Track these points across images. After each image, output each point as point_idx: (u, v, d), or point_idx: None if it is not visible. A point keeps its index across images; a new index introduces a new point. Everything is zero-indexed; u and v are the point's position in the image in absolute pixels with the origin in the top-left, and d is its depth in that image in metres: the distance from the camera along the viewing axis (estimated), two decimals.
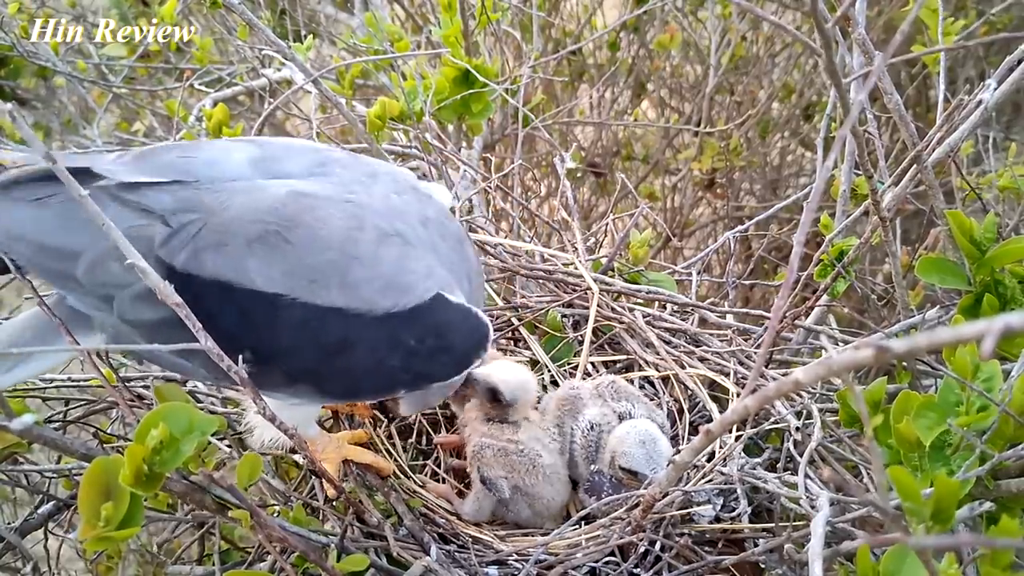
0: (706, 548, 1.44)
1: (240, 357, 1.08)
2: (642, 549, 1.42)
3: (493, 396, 1.61)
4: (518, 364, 1.73)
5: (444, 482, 1.70)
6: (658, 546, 1.42)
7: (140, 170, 1.24)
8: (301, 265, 1.19)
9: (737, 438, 1.56)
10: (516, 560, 1.46)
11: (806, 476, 1.35)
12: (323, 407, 1.67)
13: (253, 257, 1.17)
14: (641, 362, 1.87)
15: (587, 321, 1.90)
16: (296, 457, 1.58)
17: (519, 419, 1.65)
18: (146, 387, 1.68)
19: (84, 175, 1.20)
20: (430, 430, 1.81)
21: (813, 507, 1.28)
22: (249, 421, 1.41)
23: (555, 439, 1.65)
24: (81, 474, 1.05)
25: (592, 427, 1.63)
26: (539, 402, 1.73)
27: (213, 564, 1.50)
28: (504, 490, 1.57)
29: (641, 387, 1.83)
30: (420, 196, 1.40)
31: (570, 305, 1.96)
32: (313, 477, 1.54)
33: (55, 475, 1.60)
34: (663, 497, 1.44)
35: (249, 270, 1.17)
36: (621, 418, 1.65)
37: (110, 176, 1.22)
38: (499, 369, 1.65)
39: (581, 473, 1.63)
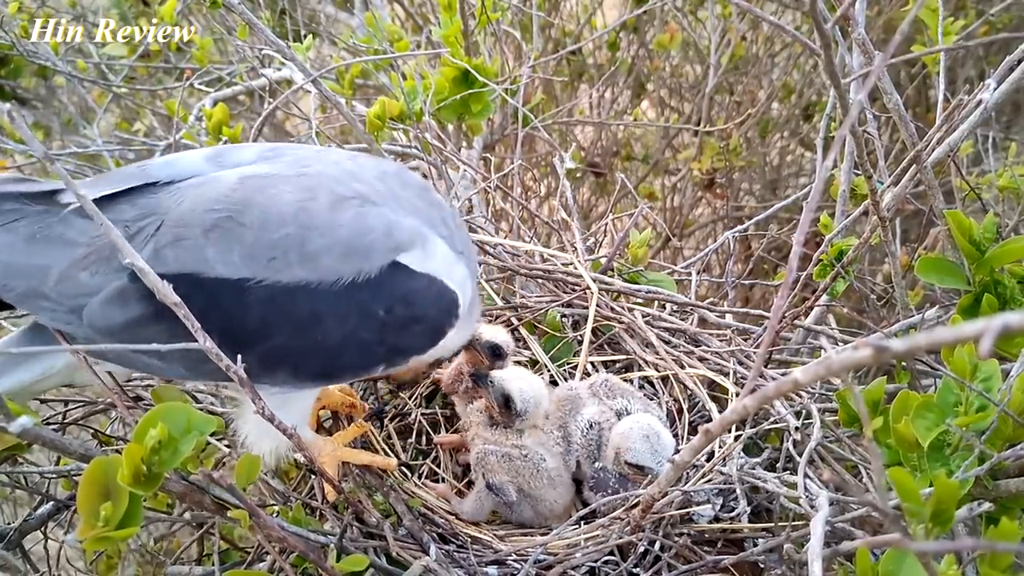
0: (705, 548, 1.44)
1: (239, 357, 1.08)
2: (641, 549, 1.42)
3: (506, 403, 1.59)
4: (535, 376, 1.70)
5: (443, 482, 1.69)
6: (657, 546, 1.42)
7: (106, 183, 1.26)
8: (258, 245, 1.20)
9: (736, 438, 1.56)
10: (515, 560, 1.46)
11: (806, 476, 1.35)
12: (321, 407, 1.67)
13: (211, 245, 1.19)
14: (641, 362, 1.86)
15: (587, 321, 1.89)
16: (297, 456, 1.57)
17: (524, 426, 1.64)
18: (146, 388, 1.68)
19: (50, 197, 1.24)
20: (430, 430, 1.81)
21: (813, 507, 1.28)
22: (244, 437, 1.39)
23: (558, 442, 1.64)
24: (80, 474, 1.05)
25: (591, 426, 1.63)
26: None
27: (212, 564, 1.50)
28: (511, 494, 1.56)
29: (641, 387, 1.83)
30: (377, 160, 1.41)
31: (569, 305, 1.96)
32: (312, 477, 1.53)
33: (54, 476, 1.60)
34: (662, 497, 1.44)
35: (209, 259, 1.19)
36: (619, 415, 1.66)
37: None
38: (517, 377, 1.62)
39: (584, 472, 1.63)
